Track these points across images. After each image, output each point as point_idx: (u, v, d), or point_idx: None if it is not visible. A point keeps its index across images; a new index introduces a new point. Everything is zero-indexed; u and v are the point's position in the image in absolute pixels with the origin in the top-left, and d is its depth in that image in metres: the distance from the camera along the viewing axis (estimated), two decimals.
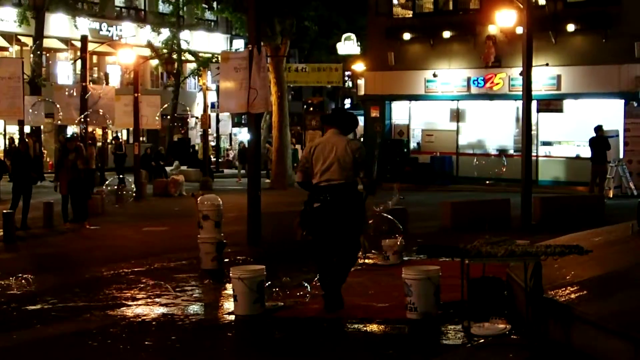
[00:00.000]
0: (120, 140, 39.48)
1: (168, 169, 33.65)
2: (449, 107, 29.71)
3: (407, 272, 8.86)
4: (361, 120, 41.95)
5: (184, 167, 35.57)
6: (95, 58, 44.07)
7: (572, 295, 7.89)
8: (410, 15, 30.53)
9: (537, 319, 7.77)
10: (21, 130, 26.21)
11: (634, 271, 8.59)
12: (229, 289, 9.83)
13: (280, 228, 15.00)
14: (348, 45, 39.07)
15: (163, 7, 46.55)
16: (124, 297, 10.40)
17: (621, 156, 25.33)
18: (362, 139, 38.83)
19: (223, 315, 9.39)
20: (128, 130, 40.08)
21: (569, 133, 27.58)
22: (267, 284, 9.43)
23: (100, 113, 23.97)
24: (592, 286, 8.16)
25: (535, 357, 7.39)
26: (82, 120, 23.58)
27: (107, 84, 35.00)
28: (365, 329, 8.62)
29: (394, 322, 8.68)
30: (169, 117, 41.88)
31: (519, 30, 22.45)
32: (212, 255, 12.12)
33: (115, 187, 21.92)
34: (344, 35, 39.06)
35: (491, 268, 8.54)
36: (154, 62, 45.09)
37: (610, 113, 26.03)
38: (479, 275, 8.31)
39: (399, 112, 30.80)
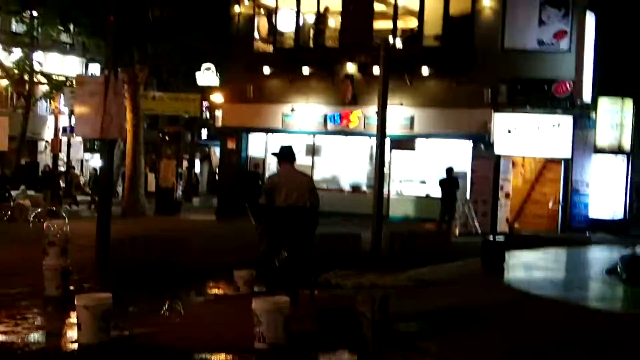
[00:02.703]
0: None
1: (14, 193, 32.49)
2: (305, 142, 29.96)
3: (256, 302, 8.85)
4: (217, 150, 41.90)
5: (31, 192, 34.38)
6: None
7: (416, 328, 8.05)
8: (271, 51, 30.71)
9: (382, 351, 7.87)
10: None
11: (476, 305, 8.85)
12: (74, 317, 9.53)
13: (130, 256, 14.68)
14: (207, 75, 38.89)
15: (16, 27, 45.08)
16: None
17: (467, 196, 26.21)
18: (216, 170, 38.71)
19: (66, 343, 9.10)
20: None
21: (420, 172, 28.23)
22: (113, 313, 9.18)
23: None
24: (435, 320, 8.36)
25: None
26: None
27: None
28: (214, 359, 8.52)
29: (242, 352, 8.63)
30: (17, 139, 40.37)
31: (376, 70, 22.99)
32: (56, 282, 11.73)
33: None
34: (204, 66, 38.87)
35: (341, 300, 8.62)
36: (4, 82, 43.49)
37: (460, 154, 26.86)
38: (329, 306, 8.38)
39: (256, 145, 30.79)
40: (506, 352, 7.11)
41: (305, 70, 29.30)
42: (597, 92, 27.13)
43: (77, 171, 49.09)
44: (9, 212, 25.82)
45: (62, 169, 40.17)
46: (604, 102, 27.45)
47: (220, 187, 32.32)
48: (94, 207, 33.21)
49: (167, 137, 32.69)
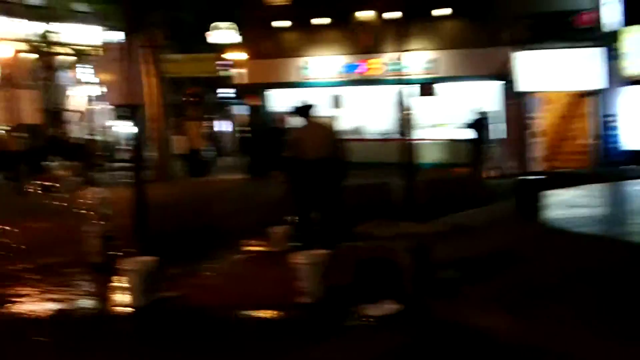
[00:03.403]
0: None
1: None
2: (328, 94, 29.91)
3: (296, 257, 9.00)
4: (242, 109, 41.95)
5: (65, 162, 34.66)
6: None
7: (458, 274, 8.16)
8: (286, 3, 30.55)
9: (425, 298, 7.99)
10: None
11: (514, 248, 8.92)
12: (118, 282, 9.76)
13: (167, 219, 14.88)
14: (225, 33, 38.83)
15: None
16: (10, 294, 10.16)
17: (498, 137, 26.07)
18: (242, 128, 38.79)
19: (115, 307, 9.32)
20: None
21: (446, 116, 28.16)
22: (157, 275, 9.39)
23: None
24: (475, 264, 8.46)
25: (423, 335, 7.59)
26: None
27: None
28: (257, 315, 8.71)
29: (285, 308, 8.78)
30: (44, 111, 40.58)
31: (395, 15, 22.88)
32: (99, 248, 11.95)
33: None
34: (222, 24, 38.79)
35: (380, 251, 8.74)
36: (29, 55, 43.55)
37: (485, 95, 26.73)
38: (369, 257, 8.51)
39: (279, 101, 30.84)
40: (549, 292, 7.22)
41: (323, 21, 29.16)
42: (626, 21, 26.49)
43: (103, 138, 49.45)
44: (46, 184, 26.07)
45: (90, 137, 40.45)
46: (633, 30, 26.78)
47: (248, 145, 32.44)
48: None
49: (190, 99, 32.73)
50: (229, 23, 38.21)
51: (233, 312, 8.77)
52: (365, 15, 28.48)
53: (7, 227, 16.29)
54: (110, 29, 45.34)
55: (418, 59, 26.56)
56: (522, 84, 26.22)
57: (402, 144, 16.51)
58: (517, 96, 26.29)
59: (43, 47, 41.11)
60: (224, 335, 8.00)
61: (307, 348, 7.41)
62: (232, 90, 52.94)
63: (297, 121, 12.43)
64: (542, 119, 27.39)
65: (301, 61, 29.59)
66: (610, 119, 26.16)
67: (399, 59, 16.79)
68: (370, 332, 7.73)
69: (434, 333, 7.55)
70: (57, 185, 25.78)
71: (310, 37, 29.64)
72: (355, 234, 8.06)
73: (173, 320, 8.71)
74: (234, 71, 38.61)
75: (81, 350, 7.70)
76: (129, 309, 9.05)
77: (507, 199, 11.81)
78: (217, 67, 38.73)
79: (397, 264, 9.05)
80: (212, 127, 44.61)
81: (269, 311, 8.79)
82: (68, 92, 48.66)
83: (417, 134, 27.20)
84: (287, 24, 29.72)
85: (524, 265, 8.22)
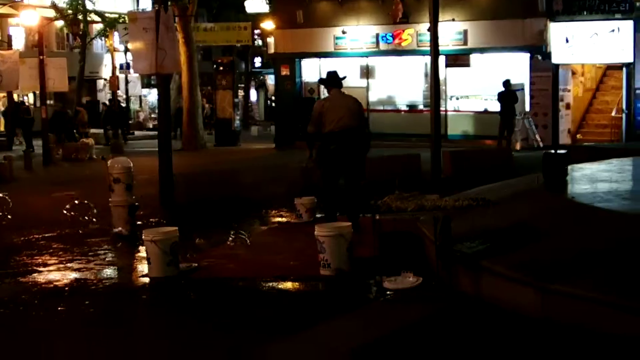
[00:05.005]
0: (27, 104, 38.43)
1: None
2: (359, 64, 29.81)
3: (319, 229, 8.95)
4: (272, 78, 41.93)
5: (93, 130, 34.92)
6: None
7: (481, 247, 8.08)
8: None
9: (447, 271, 7.94)
10: None
11: (539, 222, 8.81)
12: (143, 252, 9.79)
13: (193, 189, 14.94)
14: (257, 2, 38.77)
15: None
16: (35, 263, 10.24)
17: (527, 109, 25.89)
18: (272, 98, 38.79)
19: (137, 278, 9.34)
20: (35, 94, 39.05)
21: (476, 87, 27.98)
22: (180, 246, 9.39)
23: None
24: (500, 238, 8.37)
25: (445, 308, 7.55)
26: None
27: (10, 47, 33.93)
28: (280, 286, 8.69)
29: (308, 279, 8.78)
30: (76, 79, 40.85)
31: None
32: (124, 218, 11.98)
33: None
34: None
35: (402, 223, 8.68)
36: (59, 23, 43.83)
37: (516, 67, 26.48)
38: (390, 230, 8.45)
39: (309, 70, 30.74)
40: (571, 266, 7.14)
41: None
42: None
43: (137, 107, 49.73)
44: (75, 152, 26.31)
45: (120, 105, 40.62)
46: None
47: (276, 115, 32.45)
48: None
49: (221, 68, 32.70)
50: None
51: (255, 283, 8.75)
52: None
53: (34, 197, 16.40)
54: None
55: (450, 29, 26.37)
56: (555, 56, 25.90)
57: (430, 115, 16.37)
58: (548, 68, 25.99)
59: (74, 14, 41.21)
60: (246, 307, 7.99)
61: (329, 320, 7.37)
62: (263, 59, 52.92)
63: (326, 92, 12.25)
64: (572, 91, 27.15)
65: (335, 31, 29.43)
66: (638, 92, 25.77)
67: (429, 29, 16.59)
68: (391, 305, 7.69)
69: (454, 306, 7.50)
70: (85, 153, 25.97)
71: (343, 8, 29.47)
72: (378, 207, 7.96)
73: (194, 290, 8.71)
74: (265, 40, 38.55)
75: (99, 320, 7.73)
76: (150, 280, 9.06)
77: (535, 172, 11.68)
78: (251, 36, 38.65)
79: (420, 236, 8.99)
80: (242, 95, 44.61)
81: (291, 283, 8.78)
82: (99, 60, 48.95)
83: (447, 105, 27.34)
84: None
85: (546, 239, 8.11)
